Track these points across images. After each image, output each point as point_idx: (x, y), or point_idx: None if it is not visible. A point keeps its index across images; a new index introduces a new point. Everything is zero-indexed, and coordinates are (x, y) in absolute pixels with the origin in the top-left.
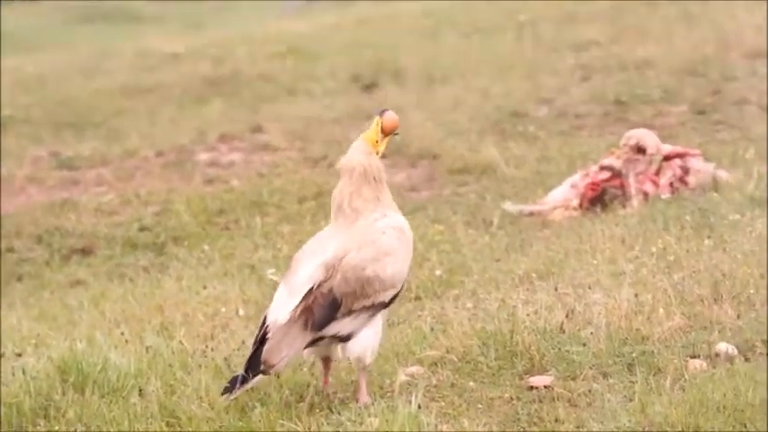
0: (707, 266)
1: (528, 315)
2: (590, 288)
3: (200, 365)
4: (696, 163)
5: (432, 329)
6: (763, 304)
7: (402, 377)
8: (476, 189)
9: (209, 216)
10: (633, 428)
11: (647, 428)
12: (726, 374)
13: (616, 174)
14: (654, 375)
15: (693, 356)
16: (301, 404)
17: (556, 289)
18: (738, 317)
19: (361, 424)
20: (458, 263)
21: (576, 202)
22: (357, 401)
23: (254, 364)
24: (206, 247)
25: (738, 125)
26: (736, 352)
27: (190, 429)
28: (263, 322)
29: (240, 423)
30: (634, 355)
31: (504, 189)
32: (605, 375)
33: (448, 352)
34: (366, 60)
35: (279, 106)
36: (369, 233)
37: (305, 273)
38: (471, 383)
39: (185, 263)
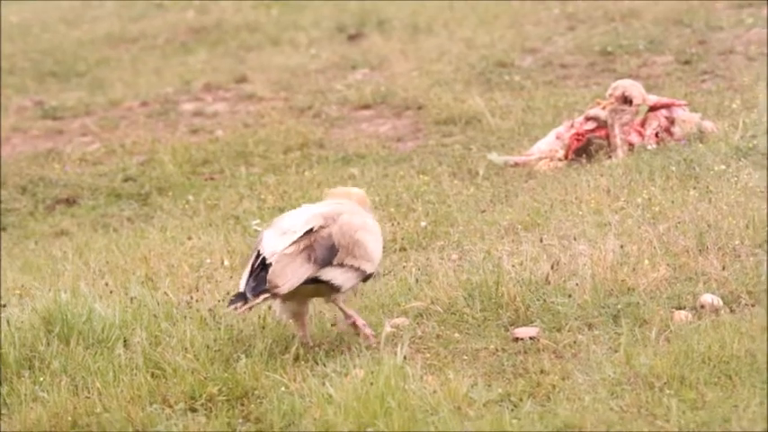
0: (692, 217)
1: (513, 266)
2: (575, 239)
3: (185, 316)
4: (682, 113)
5: (417, 281)
6: (749, 255)
7: (387, 329)
8: (461, 140)
9: (194, 166)
10: (618, 379)
11: (632, 379)
12: (711, 326)
13: (601, 124)
14: (639, 327)
15: (679, 308)
16: (286, 355)
17: (541, 240)
18: (724, 268)
19: (346, 375)
20: (443, 214)
21: (561, 153)
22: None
23: (259, 284)
24: (190, 198)
25: (724, 75)
26: (721, 303)
27: (175, 380)
28: (258, 254)
29: (225, 374)
30: (619, 306)
31: (490, 140)
32: (590, 327)
33: (433, 303)
34: (351, 10)
35: (264, 56)
36: (356, 210)
37: (297, 220)
38: (456, 335)
39: (170, 213)
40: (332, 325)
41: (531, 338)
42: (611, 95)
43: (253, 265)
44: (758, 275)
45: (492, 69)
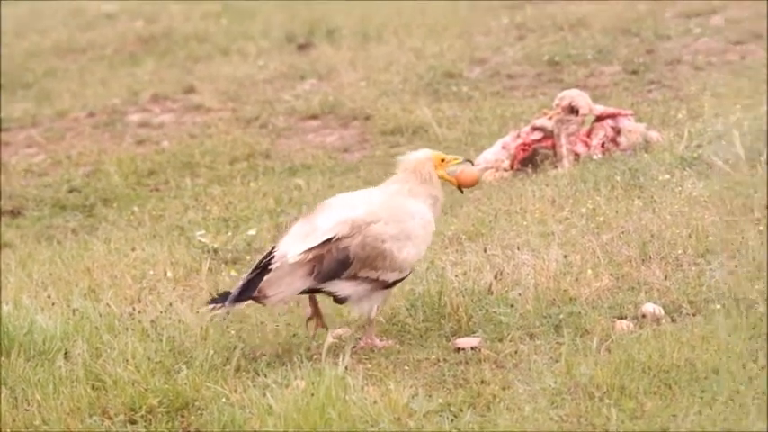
0: (636, 227)
1: (456, 277)
2: (519, 249)
3: (126, 328)
4: (628, 123)
5: None
6: (691, 264)
7: (329, 339)
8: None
9: (140, 177)
10: (559, 389)
11: (572, 389)
12: (652, 335)
13: (548, 134)
14: (581, 336)
15: (620, 317)
16: (227, 366)
17: (485, 250)
18: (666, 277)
19: (287, 386)
20: None
21: (507, 163)
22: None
23: (250, 287)
24: (135, 209)
25: (671, 85)
26: (662, 312)
27: (115, 392)
28: (271, 251)
29: (166, 386)
30: (561, 316)
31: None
32: (532, 336)
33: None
34: (300, 19)
35: (212, 66)
36: (402, 212)
37: (330, 221)
38: (398, 345)
39: (114, 224)
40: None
41: (472, 348)
42: (557, 106)
43: (259, 263)
44: (700, 285)
45: (440, 80)
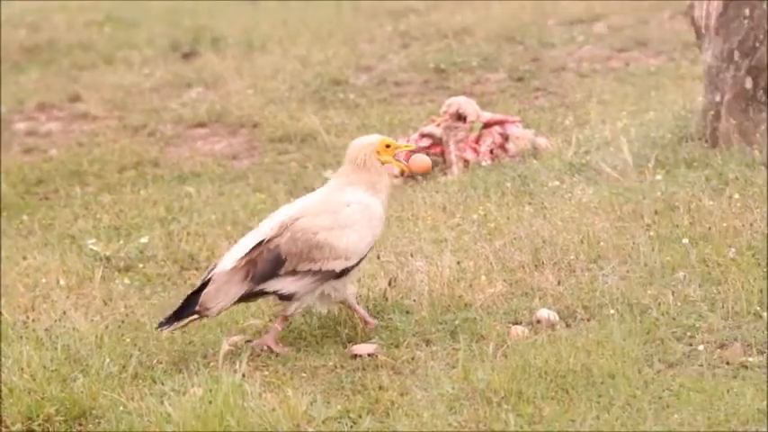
0: (527, 233)
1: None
2: (412, 256)
3: (20, 336)
4: (515, 130)
5: None
6: (584, 270)
7: (226, 346)
8: (297, 157)
9: (28, 186)
10: (456, 395)
11: (470, 394)
12: (547, 340)
13: (436, 141)
14: (476, 342)
15: (515, 323)
16: (124, 374)
17: (378, 257)
18: (559, 283)
19: (184, 393)
20: None
21: (397, 170)
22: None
23: (192, 303)
24: (25, 218)
25: (557, 92)
26: (557, 318)
27: (11, 401)
28: (214, 266)
29: (62, 394)
30: (457, 322)
31: (326, 157)
32: (428, 343)
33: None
34: (185, 28)
35: (97, 74)
36: (334, 203)
37: (262, 228)
38: (295, 352)
39: (4, 233)
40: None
41: (369, 355)
42: (445, 113)
43: (202, 279)
44: (593, 290)
45: (327, 87)
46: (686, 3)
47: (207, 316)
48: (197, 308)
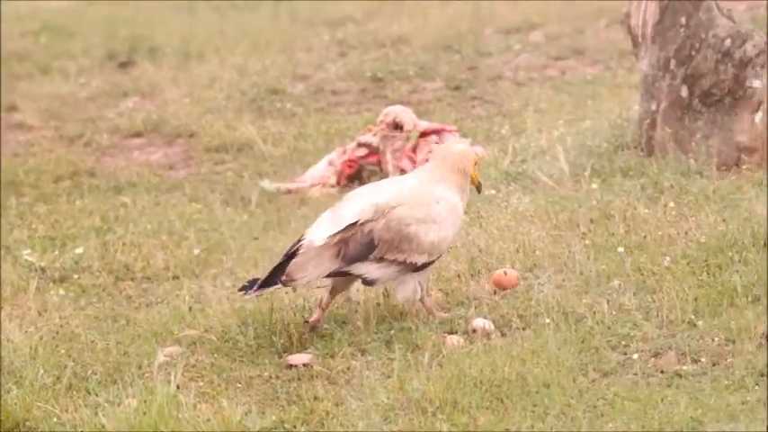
0: (464, 242)
1: (287, 293)
2: None
3: None
4: (452, 139)
5: (190, 309)
6: (520, 279)
7: (161, 357)
8: (233, 167)
9: None
10: (392, 404)
11: (405, 404)
12: (483, 350)
13: (373, 150)
14: (412, 352)
15: (451, 332)
16: (58, 386)
17: None
18: (495, 292)
19: (119, 404)
20: (216, 241)
21: (333, 180)
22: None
23: (278, 272)
24: None
25: (493, 101)
26: (492, 327)
27: None
28: (299, 239)
29: None
30: (392, 332)
31: (262, 167)
32: (364, 353)
33: (206, 331)
34: (121, 37)
35: (33, 84)
36: (427, 196)
37: (356, 207)
38: (230, 363)
39: None
40: None
41: (304, 365)
42: (382, 122)
43: (288, 251)
44: (528, 299)
45: (264, 96)
46: (623, 11)
47: (292, 286)
48: (283, 277)
